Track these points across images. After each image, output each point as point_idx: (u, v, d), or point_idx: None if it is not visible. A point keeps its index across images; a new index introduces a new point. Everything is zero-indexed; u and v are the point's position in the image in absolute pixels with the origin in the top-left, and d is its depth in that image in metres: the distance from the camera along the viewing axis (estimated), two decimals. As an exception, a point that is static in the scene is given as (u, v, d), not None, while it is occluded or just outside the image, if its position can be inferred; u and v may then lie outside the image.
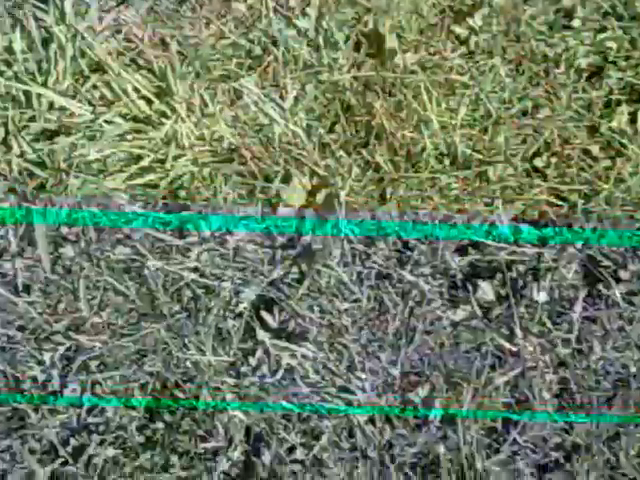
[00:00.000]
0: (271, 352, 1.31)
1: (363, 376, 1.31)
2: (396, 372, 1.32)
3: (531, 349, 1.31)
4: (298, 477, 1.30)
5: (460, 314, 1.32)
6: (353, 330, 1.32)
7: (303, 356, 1.32)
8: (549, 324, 1.32)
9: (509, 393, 1.31)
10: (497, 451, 1.28)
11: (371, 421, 1.31)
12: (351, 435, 1.32)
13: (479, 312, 1.30)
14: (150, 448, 1.33)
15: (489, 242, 1.32)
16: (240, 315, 1.34)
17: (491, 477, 1.27)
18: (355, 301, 1.34)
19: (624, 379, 1.29)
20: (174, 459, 1.31)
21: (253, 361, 1.32)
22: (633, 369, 1.28)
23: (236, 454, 1.31)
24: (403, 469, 1.29)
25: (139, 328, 1.35)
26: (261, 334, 1.31)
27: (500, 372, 1.30)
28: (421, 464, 1.30)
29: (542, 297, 1.27)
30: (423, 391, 1.31)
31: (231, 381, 1.33)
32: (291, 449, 1.32)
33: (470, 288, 1.31)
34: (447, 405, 1.31)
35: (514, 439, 1.28)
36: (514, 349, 1.33)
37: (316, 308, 1.33)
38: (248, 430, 1.33)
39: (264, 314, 1.33)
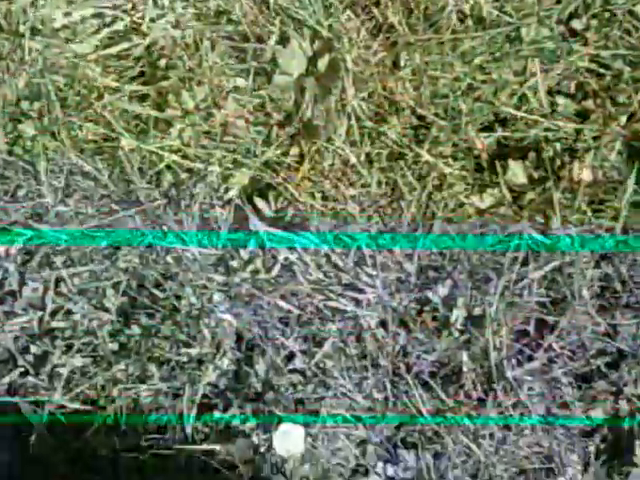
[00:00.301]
0: (266, 244, 1.11)
1: (373, 272, 1.12)
2: (412, 267, 1.12)
3: (569, 240, 1.11)
4: (297, 389, 1.11)
5: (486, 200, 1.12)
6: (361, 220, 1.12)
7: (303, 249, 1.12)
8: (590, 212, 1.12)
9: (544, 291, 1.12)
10: (530, 358, 1.09)
11: (382, 324, 1.12)
12: (359, 341, 1.12)
13: (509, 197, 1.11)
14: (124, 357, 1.14)
15: (520, 115, 1.12)
16: (229, 202, 1.14)
17: (523, 388, 1.08)
18: (363, 186, 1.14)
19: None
20: (152, 369, 1.12)
21: (245, 255, 1.12)
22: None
23: (225, 363, 1.12)
24: (420, 380, 1.10)
25: (112, 217, 1.15)
26: (254, 223, 1.11)
27: (533, 267, 1.10)
28: (441, 374, 1.11)
29: (586, 175, 1.08)
30: (443, 289, 1.12)
31: (219, 278, 1.14)
32: (289, 357, 1.13)
33: (498, 170, 1.11)
34: (471, 305, 1.11)
35: (549, 345, 1.09)
36: (547, 242, 1.13)
37: (318, 194, 1.14)
38: (239, 335, 1.14)
39: (257, 201, 1.13)
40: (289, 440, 1.03)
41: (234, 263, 1.13)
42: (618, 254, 1.12)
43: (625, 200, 1.10)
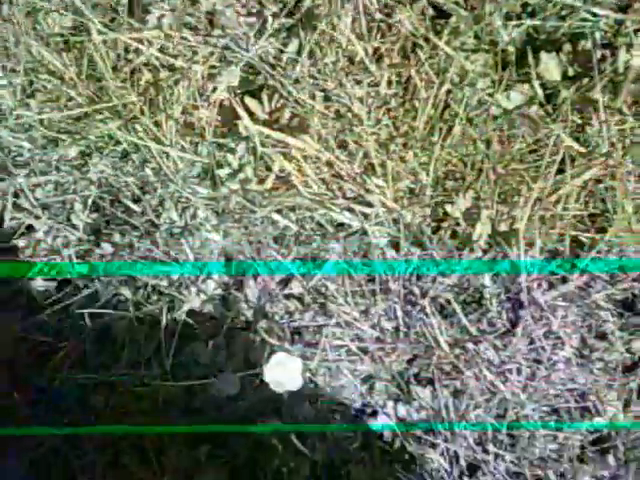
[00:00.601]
0: (258, 150, 0.95)
1: (383, 183, 0.96)
2: (427, 178, 0.97)
3: (610, 146, 0.96)
4: (294, 317, 0.95)
5: (514, 99, 0.96)
6: (369, 122, 0.96)
7: (303, 155, 0.96)
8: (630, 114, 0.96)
9: (580, 205, 0.96)
10: (564, 281, 0.93)
11: (393, 243, 0.96)
12: (366, 262, 0.97)
13: (540, 95, 0.95)
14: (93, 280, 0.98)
15: (552, 2, 0.96)
16: (217, 104, 0.98)
17: (557, 315, 0.92)
18: (371, 85, 0.98)
19: None
20: (126, 292, 0.96)
21: (234, 162, 0.96)
22: None
23: (210, 287, 0.97)
24: (436, 306, 0.94)
25: (81, 121, 0.99)
26: (245, 126, 0.95)
27: (569, 175, 0.94)
28: (460, 300, 0.95)
29: (636, 61, 0.92)
30: (465, 201, 0.96)
31: (204, 191, 0.98)
32: (285, 281, 0.98)
33: (530, 62, 0.95)
34: (497, 221, 0.96)
35: (586, 266, 0.94)
36: (583, 149, 0.97)
37: (319, 93, 0.97)
38: (227, 256, 0.98)
39: (249, 101, 0.97)
40: (283, 373, 0.87)
41: (221, 173, 0.97)
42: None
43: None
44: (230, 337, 0.93)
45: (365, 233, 0.96)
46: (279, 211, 0.98)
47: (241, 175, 0.96)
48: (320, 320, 0.94)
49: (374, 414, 0.94)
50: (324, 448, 0.91)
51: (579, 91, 0.95)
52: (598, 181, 0.97)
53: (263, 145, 0.96)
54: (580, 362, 0.92)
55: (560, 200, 0.95)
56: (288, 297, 0.96)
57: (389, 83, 0.99)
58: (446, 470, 0.90)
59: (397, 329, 0.94)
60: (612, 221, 0.95)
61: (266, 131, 0.94)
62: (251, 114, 0.98)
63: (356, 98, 0.98)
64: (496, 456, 0.90)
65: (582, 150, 0.96)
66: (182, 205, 0.97)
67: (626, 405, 0.92)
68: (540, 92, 0.96)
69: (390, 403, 0.93)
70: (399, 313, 0.94)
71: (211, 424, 0.88)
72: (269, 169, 0.99)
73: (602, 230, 0.96)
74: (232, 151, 0.96)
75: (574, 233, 0.95)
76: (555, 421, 0.92)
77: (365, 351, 0.94)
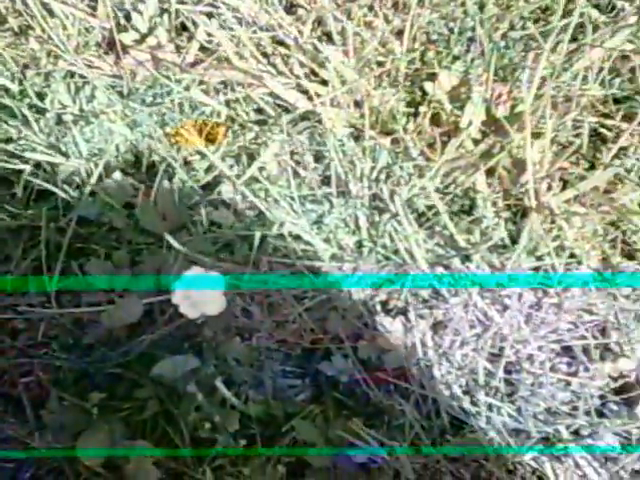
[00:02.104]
0: (172, 8, 0.70)
1: (341, 54, 0.72)
2: (401, 47, 0.73)
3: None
4: (222, 212, 0.72)
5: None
6: (325, -25, 0.72)
7: (236, 17, 0.72)
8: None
9: (602, 86, 0.73)
10: (582, 179, 0.70)
11: (355, 132, 0.73)
12: (319, 157, 0.73)
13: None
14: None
15: None
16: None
17: (571, 223, 0.70)
18: None
19: None
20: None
21: (142, 24, 0.71)
22: None
23: (112, 188, 0.73)
24: (412, 211, 0.71)
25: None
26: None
27: (588, 43, 0.71)
28: (444, 203, 0.72)
29: None
30: (449, 78, 0.72)
31: (105, 65, 0.73)
32: (212, 184, 0.74)
33: None
34: (493, 103, 0.72)
35: (610, 162, 0.71)
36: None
37: None
38: (135, 152, 0.74)
39: (166, -55, 0.72)
40: (199, 293, 0.62)
41: (125, 39, 0.72)
42: None
43: None
44: (136, 252, 0.69)
45: (319, 121, 0.72)
46: (205, 91, 0.73)
47: (151, 41, 0.71)
48: (256, 229, 0.70)
49: (327, 356, 0.71)
50: (260, 399, 0.68)
51: None
52: (625, 57, 0.73)
53: (182, 2, 0.71)
54: (600, 286, 0.69)
55: (576, 77, 0.71)
56: (215, 203, 0.72)
57: None
58: (423, 426, 0.67)
59: (360, 244, 0.71)
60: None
61: (184, -19, 0.70)
62: (169, -37, 0.73)
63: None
64: (489, 408, 0.67)
65: (598, 17, 0.73)
66: (75, 84, 0.73)
67: (658, 343, 0.70)
68: None
69: (350, 340, 0.70)
70: (362, 223, 0.70)
71: (103, 363, 0.64)
72: (191, 37, 0.74)
73: (630, 118, 0.73)
74: (139, 11, 0.72)
75: (594, 120, 0.72)
76: (567, 363, 0.69)
77: (316, 272, 0.71)
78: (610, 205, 0.67)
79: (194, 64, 0.73)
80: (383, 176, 0.71)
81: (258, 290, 0.70)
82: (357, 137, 0.73)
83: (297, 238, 0.71)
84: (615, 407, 0.69)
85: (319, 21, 0.75)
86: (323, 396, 0.71)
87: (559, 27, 0.69)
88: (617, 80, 0.74)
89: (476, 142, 0.71)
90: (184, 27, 0.74)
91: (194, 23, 0.73)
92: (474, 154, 0.70)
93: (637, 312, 0.69)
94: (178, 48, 0.75)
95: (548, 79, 0.69)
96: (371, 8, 0.74)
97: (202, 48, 0.74)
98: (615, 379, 0.69)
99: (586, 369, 0.69)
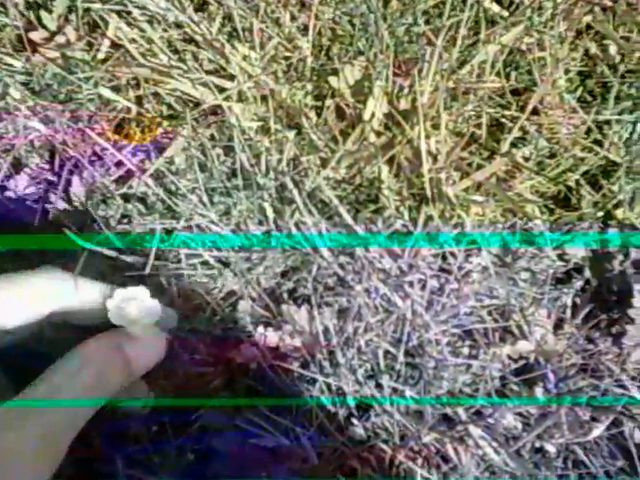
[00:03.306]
0: (79, 6, 0.72)
1: (248, 50, 0.74)
2: (307, 43, 0.75)
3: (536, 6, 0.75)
4: (133, 206, 0.73)
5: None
6: (232, -27, 0.74)
7: (146, 15, 0.74)
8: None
9: (500, 78, 0.75)
10: (479, 168, 0.73)
11: (263, 126, 0.75)
12: (229, 152, 0.75)
13: None
14: None
15: None
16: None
17: (469, 212, 0.72)
18: None
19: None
20: None
21: (50, 22, 0.73)
22: None
23: (22, 185, 0.74)
24: (315, 200, 0.73)
25: None
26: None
27: (483, 37, 0.74)
28: (346, 194, 0.74)
29: None
30: (353, 72, 0.75)
31: (17, 63, 0.75)
32: (124, 178, 0.75)
33: None
34: (395, 96, 0.75)
35: (507, 151, 0.73)
36: (505, 12, 0.77)
37: (167, -64, 0.75)
38: (50, 148, 0.75)
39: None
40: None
41: (35, 37, 0.73)
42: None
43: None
44: (41, 254, 0.70)
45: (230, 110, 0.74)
46: (116, 88, 0.75)
47: (60, 39, 0.72)
48: (168, 223, 0.71)
49: (238, 343, 0.72)
50: (170, 386, 0.69)
51: None
52: (522, 52, 0.76)
53: (89, 0, 0.72)
54: (501, 271, 0.71)
55: (474, 71, 0.74)
56: (126, 197, 0.74)
57: None
58: (329, 412, 0.69)
59: (268, 234, 0.73)
60: (542, 98, 0.74)
61: (91, -21, 0.71)
62: (79, -37, 0.75)
63: (215, -58, 0.75)
64: (394, 391, 0.69)
65: (500, 12, 0.76)
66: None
67: (559, 324, 0.72)
68: None
69: (259, 329, 0.71)
70: (269, 214, 0.72)
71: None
72: (104, 35, 0.75)
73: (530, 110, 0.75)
74: (49, 10, 0.73)
75: (492, 111, 0.74)
76: (469, 346, 0.71)
77: (226, 263, 0.72)
78: (504, 193, 0.69)
79: (105, 61, 0.75)
80: (289, 168, 0.73)
81: (168, 282, 0.71)
82: (266, 130, 0.75)
83: (206, 230, 0.73)
84: (516, 387, 0.71)
85: (228, 18, 0.76)
86: (234, 383, 0.72)
87: (465, 21, 0.72)
88: (516, 72, 0.76)
89: (379, 134, 0.73)
90: (95, 24, 0.76)
91: (104, 20, 0.74)
92: (376, 146, 0.72)
93: (535, 296, 0.72)
94: (90, 45, 0.76)
95: (444, 73, 0.72)
96: (279, 2, 0.76)
97: (114, 45, 0.76)
98: (515, 360, 0.71)
99: (486, 352, 0.71)
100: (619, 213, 0.72)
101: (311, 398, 0.70)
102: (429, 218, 0.70)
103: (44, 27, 0.74)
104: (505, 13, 0.78)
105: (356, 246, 0.70)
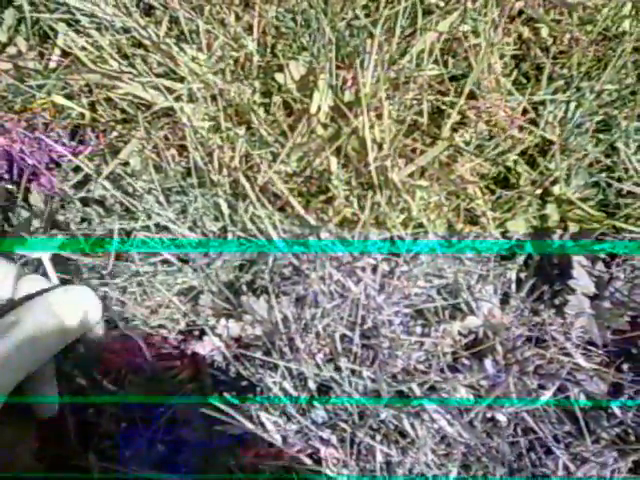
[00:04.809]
0: (28, 18, 0.73)
1: (195, 52, 0.76)
2: (252, 42, 0.78)
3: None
4: (93, 209, 0.75)
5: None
6: (175, -23, 0.76)
7: (94, 23, 0.75)
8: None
9: (439, 66, 0.79)
10: (422, 154, 0.76)
11: (214, 125, 0.77)
12: (182, 149, 0.78)
13: None
14: None
15: None
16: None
17: (415, 196, 0.75)
18: None
19: None
20: None
21: (1, 33, 0.75)
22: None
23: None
24: (270, 196, 0.76)
25: None
26: (14, -12, 0.74)
27: (420, 27, 0.77)
28: (297, 184, 0.77)
29: None
30: (298, 67, 0.77)
31: (-31, 75, 0.76)
32: (83, 182, 0.77)
33: None
34: (339, 89, 0.77)
35: (449, 136, 0.77)
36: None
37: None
38: (7, 157, 0.77)
39: (19, -43, 0.75)
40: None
41: (-13, 48, 0.75)
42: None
43: None
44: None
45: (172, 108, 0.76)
46: (69, 95, 0.77)
47: (11, 50, 0.74)
48: (126, 224, 0.74)
49: (202, 336, 0.75)
50: (137, 380, 0.72)
51: None
52: (459, 39, 0.79)
53: (37, 11, 0.74)
54: (446, 252, 0.75)
55: (412, 60, 0.77)
56: (85, 201, 0.76)
57: None
58: (291, 396, 0.72)
59: (224, 230, 0.76)
60: (479, 83, 0.78)
61: (37, -10, 0.73)
62: (24, -26, 0.77)
63: (157, -53, 0.77)
64: (352, 373, 0.72)
65: (437, 1, 0.78)
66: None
67: (505, 299, 0.76)
68: None
69: (222, 321, 0.74)
70: (224, 209, 0.75)
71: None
72: (54, 44, 0.77)
73: (468, 95, 0.78)
74: (-2, 20, 0.75)
75: (432, 98, 0.77)
76: (421, 325, 0.75)
77: (185, 259, 0.75)
78: (446, 177, 0.73)
79: (57, 69, 0.77)
80: (242, 164, 0.76)
81: (130, 281, 0.74)
82: (217, 129, 0.77)
83: (164, 229, 0.75)
84: (467, 362, 0.75)
85: (175, 21, 0.79)
86: (200, 375, 0.76)
87: (402, 12, 0.75)
88: (453, 60, 0.80)
89: (326, 126, 0.76)
90: (46, 34, 0.78)
91: (53, 30, 0.76)
92: (324, 138, 0.75)
93: (481, 273, 0.76)
94: (41, 54, 0.78)
95: (384, 63, 0.75)
96: (222, 4, 0.78)
97: (65, 54, 0.77)
98: (465, 336, 0.75)
99: (437, 329, 0.74)
100: (556, 189, 0.75)
101: (274, 384, 0.73)
102: (377, 205, 0.73)
103: (-7, 39, 0.76)
104: (441, 3, 0.81)
105: (309, 235, 0.73)
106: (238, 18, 0.78)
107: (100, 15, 0.76)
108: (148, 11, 0.80)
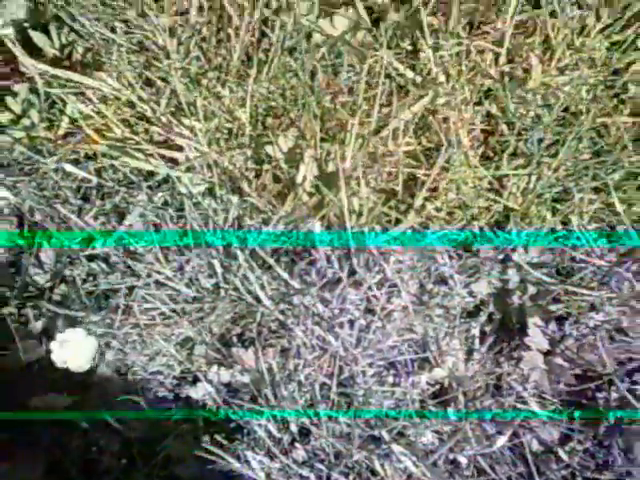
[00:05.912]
0: (42, 92, 0.81)
1: (194, 123, 0.84)
2: (245, 115, 0.86)
3: (444, 73, 0.87)
4: (97, 265, 0.83)
5: (339, 24, 0.86)
6: (177, 55, 0.84)
7: (101, 96, 0.83)
8: (465, 34, 0.88)
9: (414, 140, 0.87)
10: (398, 223, 0.85)
11: (210, 191, 0.85)
12: (179, 211, 0.86)
13: (367, 19, 0.85)
14: None
15: None
16: (-4, 38, 0.84)
17: (389, 260, 0.84)
18: (180, 13, 0.85)
19: None
20: None
21: (16, 106, 0.82)
22: None
23: None
24: (258, 260, 0.84)
25: None
26: (26, 65, 0.81)
27: (397, 107, 0.85)
28: (285, 251, 0.85)
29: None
30: (286, 141, 0.86)
31: (-13, 141, 0.84)
32: (88, 241, 0.85)
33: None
34: (323, 161, 0.86)
35: (421, 206, 0.85)
36: (418, 78, 0.88)
37: (119, 24, 0.84)
38: (19, 215, 0.85)
39: (35, 35, 0.83)
40: (72, 352, 0.76)
41: (2, 119, 0.83)
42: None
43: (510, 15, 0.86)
44: (21, 306, 0.80)
45: (174, 181, 0.84)
46: (75, 161, 0.85)
47: (25, 121, 0.82)
48: (128, 281, 0.82)
49: (195, 382, 0.84)
50: (139, 423, 0.80)
51: (409, 14, 0.86)
52: (434, 112, 0.88)
53: (50, 85, 0.82)
54: (418, 310, 0.84)
55: (389, 136, 0.85)
56: (91, 258, 0.84)
57: (199, 9, 0.87)
58: (275, 438, 0.81)
59: (217, 286, 0.84)
60: (450, 156, 0.87)
61: (51, 70, 0.80)
62: (39, 50, 0.84)
63: (161, 28, 0.85)
64: (329, 418, 0.81)
65: (414, 78, 0.87)
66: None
67: (469, 353, 0.85)
68: (366, 17, 0.86)
69: (213, 368, 0.83)
70: (218, 269, 0.83)
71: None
72: (63, 112, 0.85)
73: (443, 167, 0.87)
74: (14, 94, 0.83)
75: (407, 170, 0.86)
76: (393, 375, 0.83)
77: (181, 313, 0.84)
78: (417, 245, 0.81)
79: (65, 136, 0.84)
80: (235, 228, 0.84)
81: (130, 332, 0.82)
82: (212, 193, 0.86)
83: (163, 285, 0.83)
84: (433, 409, 0.84)
85: (175, 91, 0.86)
86: (193, 417, 0.84)
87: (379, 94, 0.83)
88: (427, 133, 0.88)
89: (311, 195, 0.85)
90: (54, 102, 0.85)
91: (63, 101, 0.84)
92: (309, 206, 0.84)
93: (447, 330, 0.84)
94: (51, 122, 0.86)
95: (364, 138, 0.83)
96: (218, 79, 0.86)
97: (72, 122, 0.85)
98: (432, 385, 0.84)
99: (407, 380, 0.83)
100: (516, 256, 0.84)
101: (259, 426, 0.81)
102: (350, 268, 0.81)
103: (10, 110, 0.83)
104: (418, 78, 0.90)
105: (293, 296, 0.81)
106: (232, 92, 0.86)
107: (106, 89, 0.84)
108: (149, 82, 0.88)
